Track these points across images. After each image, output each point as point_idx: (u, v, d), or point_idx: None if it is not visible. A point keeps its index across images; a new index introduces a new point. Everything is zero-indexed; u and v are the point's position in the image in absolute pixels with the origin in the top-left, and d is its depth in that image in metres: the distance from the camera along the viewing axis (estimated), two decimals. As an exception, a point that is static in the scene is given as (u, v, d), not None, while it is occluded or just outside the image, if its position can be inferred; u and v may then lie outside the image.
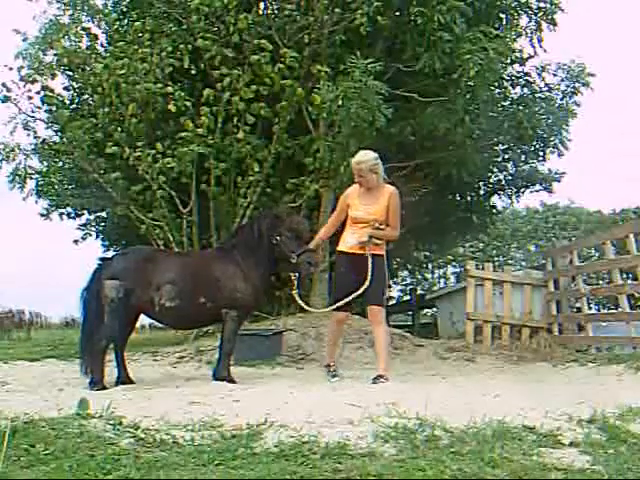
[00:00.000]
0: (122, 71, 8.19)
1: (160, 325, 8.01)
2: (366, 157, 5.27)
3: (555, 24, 9.45)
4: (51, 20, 9.30)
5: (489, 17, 8.98)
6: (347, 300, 5.16)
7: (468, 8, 7.84)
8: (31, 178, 9.80)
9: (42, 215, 10.75)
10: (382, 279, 5.22)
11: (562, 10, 9.39)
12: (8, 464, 2.36)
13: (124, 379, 5.20)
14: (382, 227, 5.22)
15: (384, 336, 5.24)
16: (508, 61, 9.32)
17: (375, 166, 5.23)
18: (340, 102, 7.28)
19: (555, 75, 10.39)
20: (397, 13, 8.44)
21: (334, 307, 5.36)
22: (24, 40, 9.12)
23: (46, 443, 2.63)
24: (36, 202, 10.26)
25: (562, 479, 2.33)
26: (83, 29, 9.33)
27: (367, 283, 5.07)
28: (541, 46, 9.67)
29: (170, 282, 5.19)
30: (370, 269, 5.08)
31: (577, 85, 10.15)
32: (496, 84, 9.46)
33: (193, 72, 8.58)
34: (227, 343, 5.30)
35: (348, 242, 5.26)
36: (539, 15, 9.46)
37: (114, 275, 5.19)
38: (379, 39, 8.59)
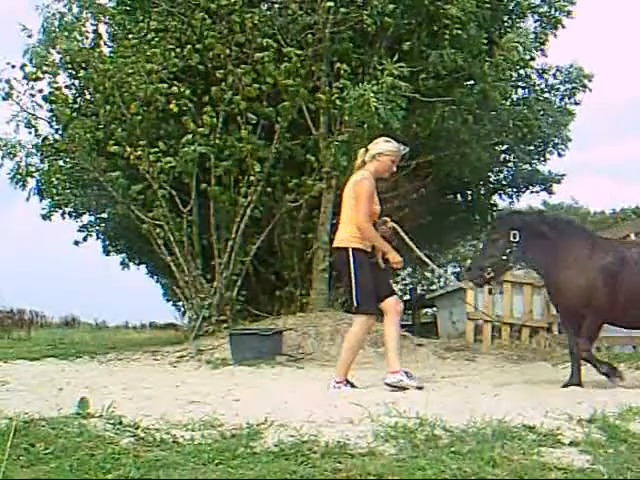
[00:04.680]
0: (130, 70, 8.18)
1: (159, 324, 7.95)
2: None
3: (561, 27, 9.50)
4: (54, 15, 9.28)
5: (494, 21, 9.03)
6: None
7: (480, 11, 7.91)
8: (32, 176, 9.79)
9: (43, 217, 10.74)
10: None
11: (568, 14, 9.42)
12: (8, 464, 2.36)
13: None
14: None
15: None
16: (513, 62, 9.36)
17: None
18: (363, 102, 7.28)
19: (555, 78, 10.44)
20: (401, 13, 8.44)
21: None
22: (29, 37, 9.11)
23: (46, 442, 2.63)
24: (40, 201, 10.24)
25: (562, 479, 2.33)
26: (89, 26, 9.31)
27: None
28: (542, 52, 9.74)
29: None
30: (384, 266, 4.84)
31: (576, 86, 10.21)
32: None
33: (197, 70, 8.58)
34: None
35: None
36: (544, 20, 9.51)
37: None
38: (383, 39, 8.60)
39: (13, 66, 8.77)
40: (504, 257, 4.92)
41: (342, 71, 7.96)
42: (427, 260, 5.20)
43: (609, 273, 4.68)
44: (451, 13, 7.72)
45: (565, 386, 4.69)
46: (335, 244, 4.89)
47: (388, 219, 4.99)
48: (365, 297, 4.62)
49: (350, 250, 4.66)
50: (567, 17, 9.50)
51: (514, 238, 4.88)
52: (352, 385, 4.72)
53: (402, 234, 5.09)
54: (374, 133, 7.62)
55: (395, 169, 4.99)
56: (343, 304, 9.73)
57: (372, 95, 7.24)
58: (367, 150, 4.89)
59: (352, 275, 4.62)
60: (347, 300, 4.95)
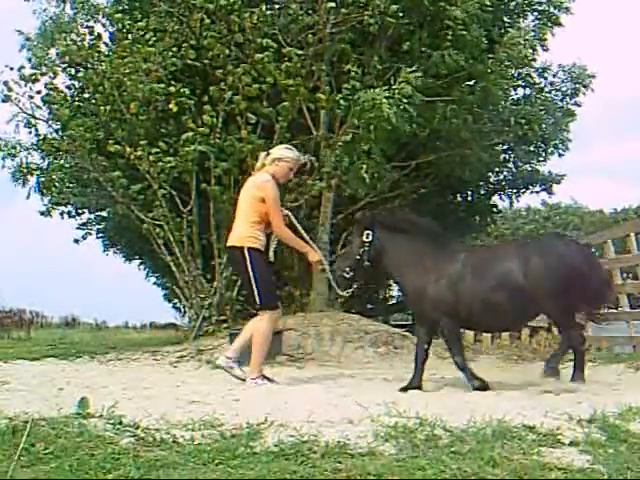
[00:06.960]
0: (126, 70, 8.18)
1: (159, 324, 7.94)
2: None
3: (560, 25, 9.51)
4: (51, 18, 9.29)
5: (494, 20, 9.04)
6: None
7: (482, 13, 7.92)
8: (32, 174, 9.78)
9: (42, 213, 10.72)
10: None
11: (567, 10, 9.44)
12: (9, 463, 2.36)
13: None
14: None
15: None
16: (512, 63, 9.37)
17: None
18: (374, 106, 7.28)
19: (555, 77, 10.45)
20: (401, 14, 8.46)
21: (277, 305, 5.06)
22: (27, 40, 9.11)
23: (46, 442, 2.63)
24: (41, 198, 10.23)
25: (562, 479, 2.33)
26: (87, 27, 9.31)
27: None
28: (543, 48, 9.73)
29: None
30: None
31: (579, 87, 10.22)
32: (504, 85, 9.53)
33: (196, 70, 8.57)
34: None
35: (263, 241, 4.99)
36: (544, 18, 9.53)
37: None
38: (383, 39, 8.61)
39: (11, 68, 8.76)
40: (358, 257, 4.85)
41: (352, 72, 7.96)
42: (323, 260, 5.17)
43: (452, 277, 4.62)
44: (454, 15, 7.72)
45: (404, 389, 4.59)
46: (229, 243, 5.03)
47: (283, 208, 5.16)
48: (267, 293, 4.87)
49: (245, 249, 4.84)
50: (566, 14, 9.53)
51: (367, 238, 4.84)
52: (269, 379, 4.89)
53: (295, 223, 5.20)
54: (379, 134, 7.65)
55: (292, 176, 5.24)
56: (343, 304, 9.73)
57: (385, 101, 7.23)
58: (269, 154, 5.10)
59: (250, 274, 4.80)
60: (248, 297, 5.03)
